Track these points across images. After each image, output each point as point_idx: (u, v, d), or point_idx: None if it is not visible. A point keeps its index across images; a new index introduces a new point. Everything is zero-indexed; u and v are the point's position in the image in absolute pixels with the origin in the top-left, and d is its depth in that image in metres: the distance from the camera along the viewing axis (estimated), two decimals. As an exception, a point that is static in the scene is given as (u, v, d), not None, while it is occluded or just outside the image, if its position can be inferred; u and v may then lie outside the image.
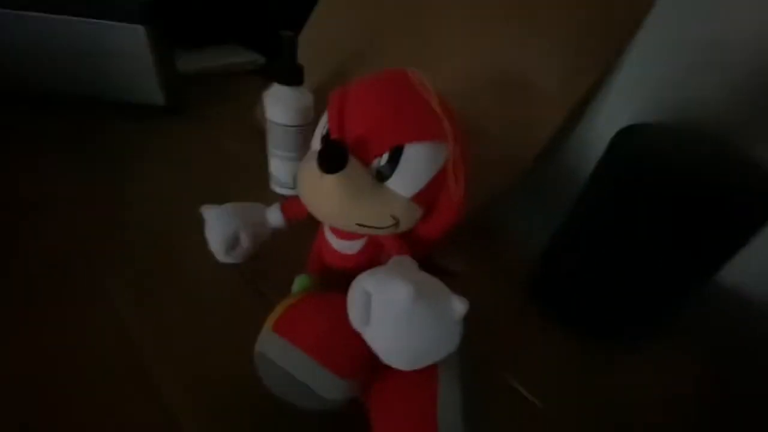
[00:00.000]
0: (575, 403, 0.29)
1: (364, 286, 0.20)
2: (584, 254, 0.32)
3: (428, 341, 0.20)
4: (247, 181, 0.46)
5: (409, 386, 0.22)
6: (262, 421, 0.25)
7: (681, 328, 0.35)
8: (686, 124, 0.34)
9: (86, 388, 0.26)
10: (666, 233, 0.27)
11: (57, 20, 0.47)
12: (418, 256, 0.27)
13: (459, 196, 0.25)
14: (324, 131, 0.26)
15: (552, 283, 0.36)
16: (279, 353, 0.21)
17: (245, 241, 0.31)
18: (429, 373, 0.21)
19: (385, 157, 0.23)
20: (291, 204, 0.32)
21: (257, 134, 0.41)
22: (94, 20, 0.47)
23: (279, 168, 0.42)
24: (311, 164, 0.23)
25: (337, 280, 0.28)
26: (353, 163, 0.22)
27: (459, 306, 0.20)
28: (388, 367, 0.21)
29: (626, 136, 0.29)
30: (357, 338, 0.21)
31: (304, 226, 0.31)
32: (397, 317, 0.19)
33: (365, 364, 0.22)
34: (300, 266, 0.31)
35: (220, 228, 0.30)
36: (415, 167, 0.24)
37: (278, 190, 0.44)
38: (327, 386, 0.21)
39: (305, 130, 0.39)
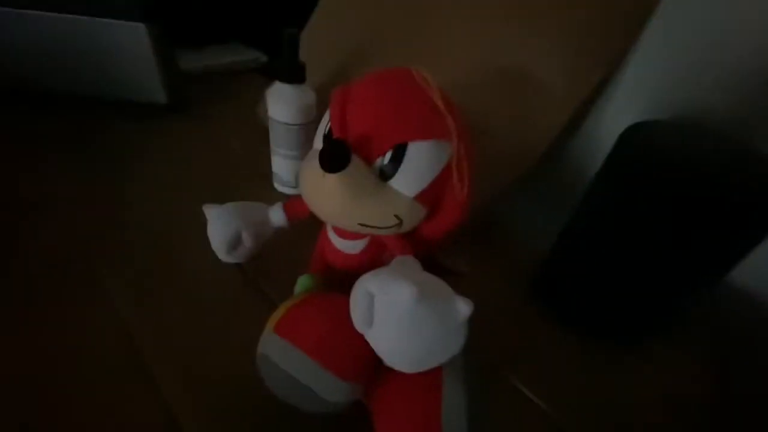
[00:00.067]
0: (579, 403, 0.29)
1: (366, 287, 0.20)
2: (590, 253, 0.31)
3: (432, 343, 0.19)
4: (250, 179, 0.46)
5: (412, 389, 0.21)
6: (264, 422, 0.25)
7: (687, 328, 0.35)
8: (695, 121, 0.34)
9: (86, 388, 0.26)
10: (674, 233, 0.26)
11: (58, 18, 0.46)
12: (422, 256, 0.27)
13: (463, 195, 0.25)
14: (326, 130, 0.25)
15: (556, 282, 0.35)
16: (281, 355, 0.21)
17: (247, 241, 0.31)
18: (433, 375, 0.21)
19: (388, 155, 0.23)
20: (293, 203, 0.31)
21: (259, 132, 0.41)
22: (96, 18, 0.46)
23: (281, 166, 0.42)
24: (313, 163, 0.22)
25: (339, 280, 0.28)
26: (356, 162, 0.22)
27: (464, 307, 0.19)
28: (391, 369, 0.21)
29: (634, 133, 0.29)
30: (360, 340, 0.21)
31: (306, 225, 0.31)
32: (401, 319, 0.19)
33: (368, 367, 0.21)
34: (302, 266, 0.31)
35: (222, 227, 0.30)
36: (418, 166, 0.23)
37: (281, 188, 0.44)
38: (329, 389, 0.20)
39: (307, 128, 0.39)
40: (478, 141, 0.29)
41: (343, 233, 0.28)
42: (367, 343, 0.20)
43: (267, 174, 0.45)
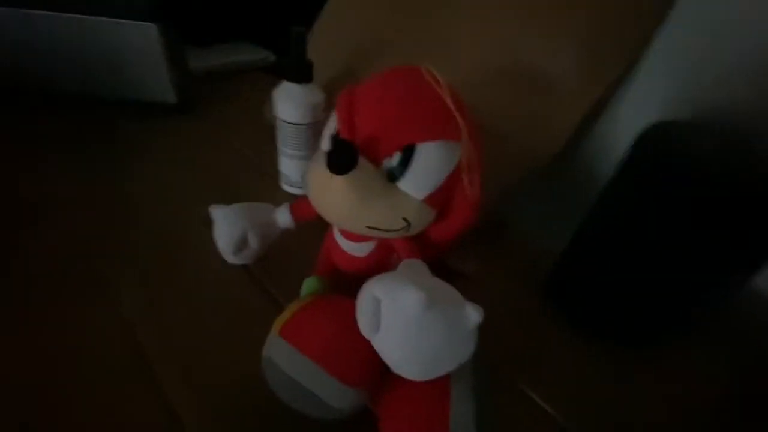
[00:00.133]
0: (589, 409, 0.28)
1: (373, 292, 0.19)
2: (604, 256, 0.31)
3: (440, 351, 0.19)
4: (257, 179, 0.46)
5: (419, 396, 0.21)
6: (267, 425, 0.25)
7: (701, 332, 0.33)
8: (716, 121, 0.33)
9: (88, 388, 0.26)
10: (692, 235, 0.25)
11: (69, 19, 0.47)
12: (430, 258, 0.26)
13: (474, 197, 0.24)
14: (333, 131, 0.25)
15: (569, 285, 0.34)
16: (285, 359, 0.21)
17: (254, 242, 0.30)
18: (441, 383, 0.20)
19: (397, 156, 0.22)
20: (300, 204, 0.31)
21: (268, 132, 0.41)
22: (106, 18, 0.47)
23: (289, 167, 0.42)
24: (320, 165, 0.22)
25: (346, 282, 0.27)
26: (363, 163, 0.22)
27: (473, 314, 0.19)
28: (398, 376, 0.20)
29: (653, 133, 0.28)
30: (366, 345, 0.20)
31: (313, 226, 0.30)
32: (408, 325, 0.18)
33: (374, 373, 0.21)
34: (309, 268, 0.31)
35: (229, 229, 0.30)
36: (427, 167, 0.23)
37: (288, 189, 0.44)
38: (334, 394, 0.20)
39: (315, 127, 0.39)
40: (489, 141, 0.28)
41: (350, 235, 0.28)
42: (373, 349, 0.20)
43: (274, 174, 0.45)
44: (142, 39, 0.48)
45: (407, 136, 0.22)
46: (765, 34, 0.30)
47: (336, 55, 0.48)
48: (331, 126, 0.25)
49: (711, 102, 0.32)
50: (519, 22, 0.37)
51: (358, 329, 0.20)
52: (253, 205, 0.32)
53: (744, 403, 0.30)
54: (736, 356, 0.33)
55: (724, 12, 0.31)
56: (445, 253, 0.33)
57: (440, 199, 0.24)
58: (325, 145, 0.26)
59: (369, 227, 0.23)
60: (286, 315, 0.23)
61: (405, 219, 0.23)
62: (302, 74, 0.37)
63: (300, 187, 0.43)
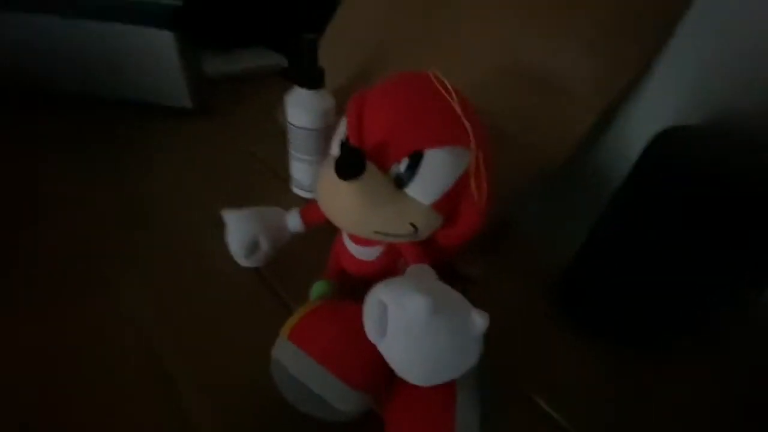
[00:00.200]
0: (600, 417, 0.28)
1: (380, 297, 0.20)
2: (616, 261, 0.30)
3: (446, 357, 0.19)
4: (270, 183, 0.47)
5: (425, 402, 0.21)
6: (275, 426, 0.25)
7: (715, 339, 0.33)
8: (729, 125, 0.32)
9: (90, 389, 0.26)
10: (706, 242, 0.25)
11: (89, 25, 0.48)
12: (438, 263, 0.26)
13: (481, 203, 0.24)
14: (343, 136, 0.25)
15: (579, 290, 0.34)
16: (293, 362, 0.21)
17: (265, 246, 0.31)
18: (447, 389, 0.20)
19: (405, 162, 0.23)
20: (310, 209, 0.31)
21: (281, 136, 0.41)
22: (125, 25, 0.48)
23: (300, 171, 0.42)
24: (329, 170, 0.22)
25: (355, 286, 0.28)
26: (371, 169, 0.22)
27: (479, 320, 0.19)
28: (404, 380, 0.20)
29: (665, 137, 0.28)
30: (372, 350, 0.20)
31: (324, 230, 0.31)
32: (414, 331, 0.18)
33: (381, 377, 0.21)
34: (318, 271, 0.31)
35: (240, 233, 0.31)
36: (435, 173, 0.23)
37: (299, 192, 0.44)
38: (340, 397, 0.20)
39: (326, 133, 0.39)
40: (499, 144, 0.28)
41: (358, 240, 0.28)
42: (379, 354, 0.20)
43: (286, 177, 0.45)
44: (158, 46, 0.50)
45: (415, 143, 0.22)
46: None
47: (347, 60, 0.49)
48: (341, 131, 0.26)
49: (724, 106, 0.32)
50: (531, 24, 0.37)
51: (364, 334, 0.20)
52: (264, 209, 0.32)
53: (757, 411, 0.29)
54: (748, 362, 0.32)
55: (738, 16, 0.30)
56: (453, 257, 0.33)
57: (448, 205, 0.24)
58: (335, 150, 0.26)
59: (376, 232, 0.23)
60: (294, 318, 0.24)
61: (412, 224, 0.23)
62: (313, 80, 0.37)
63: (311, 191, 0.43)
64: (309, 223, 0.32)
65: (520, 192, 0.37)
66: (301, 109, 0.38)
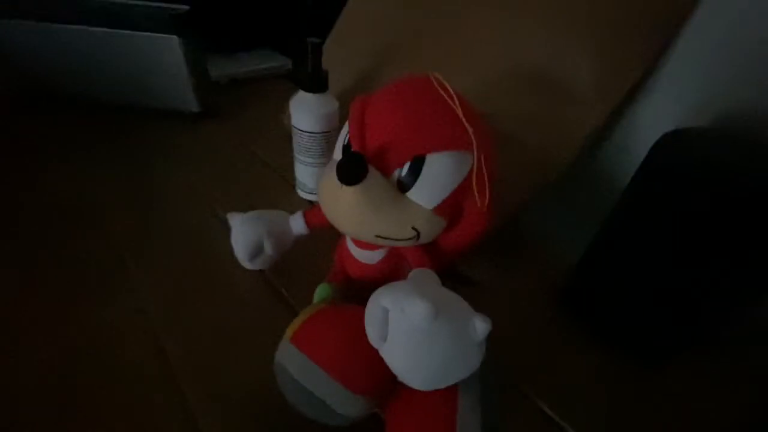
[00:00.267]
0: (604, 425, 0.27)
1: (381, 301, 0.20)
2: (623, 264, 0.30)
3: (447, 362, 0.19)
4: (275, 185, 0.47)
5: (427, 406, 0.21)
6: (279, 426, 0.25)
7: (725, 347, 0.32)
8: (735, 128, 0.31)
9: (104, 390, 0.27)
10: (714, 245, 0.25)
11: (98, 33, 0.49)
12: (443, 266, 0.26)
13: (484, 207, 0.24)
14: (345, 141, 0.25)
15: (586, 294, 0.34)
16: (296, 367, 0.21)
17: (269, 249, 0.31)
18: (448, 393, 0.20)
19: (406, 167, 0.23)
20: (314, 212, 0.32)
21: (287, 138, 0.42)
22: (132, 32, 0.49)
23: (304, 174, 0.42)
24: (331, 175, 0.23)
25: (358, 289, 0.28)
26: (373, 173, 0.22)
27: (481, 326, 0.19)
28: (406, 385, 0.20)
29: (672, 140, 0.27)
30: (374, 354, 0.20)
31: (329, 233, 0.31)
32: (415, 336, 0.19)
33: (382, 381, 0.21)
34: (322, 274, 0.31)
35: (245, 236, 0.31)
36: (437, 177, 0.23)
37: (304, 195, 0.45)
38: (341, 401, 0.20)
39: (330, 136, 0.39)
40: (505, 146, 0.28)
41: (361, 243, 0.28)
42: (381, 358, 0.20)
43: (292, 180, 0.46)
44: (165, 51, 0.50)
45: (416, 148, 0.22)
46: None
47: (351, 63, 0.49)
48: (344, 135, 0.26)
49: (730, 109, 0.31)
50: (536, 27, 0.37)
51: (366, 338, 0.20)
52: (268, 212, 0.33)
53: (764, 418, 0.29)
54: (756, 373, 0.32)
55: (744, 18, 0.30)
56: (458, 260, 0.33)
57: (450, 209, 0.24)
58: (338, 154, 0.26)
59: (378, 236, 0.24)
60: (297, 321, 0.24)
61: (414, 228, 0.23)
62: (317, 84, 0.37)
63: (315, 194, 0.44)
64: (313, 226, 0.32)
65: (524, 194, 0.37)
66: (305, 112, 0.38)
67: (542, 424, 0.27)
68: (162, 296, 0.33)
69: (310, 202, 0.44)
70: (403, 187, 0.23)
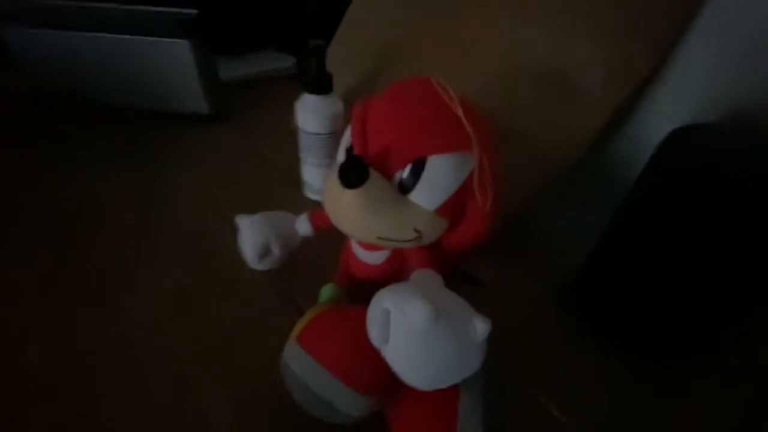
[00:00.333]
0: (611, 424, 0.27)
1: (383, 303, 0.20)
2: (630, 263, 0.30)
3: (448, 363, 0.19)
4: (284, 186, 0.48)
5: (429, 406, 0.21)
6: (287, 425, 0.26)
7: (728, 346, 0.32)
8: (748, 124, 0.30)
9: (116, 390, 0.27)
10: (723, 243, 0.24)
11: (109, 39, 0.51)
12: (447, 266, 0.27)
13: (486, 208, 0.24)
14: (348, 144, 0.26)
15: (593, 293, 0.33)
16: (301, 367, 0.22)
17: (276, 250, 0.32)
18: (450, 393, 0.21)
19: (408, 169, 0.23)
20: (319, 214, 0.32)
21: (295, 139, 0.42)
22: (142, 37, 0.50)
23: (311, 175, 0.43)
24: (334, 177, 0.23)
25: (363, 289, 0.28)
26: (375, 176, 0.22)
27: (481, 327, 0.19)
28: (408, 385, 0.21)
29: (681, 136, 0.27)
30: (377, 354, 0.21)
31: (335, 233, 0.31)
32: (415, 337, 0.19)
33: (385, 381, 0.21)
34: (329, 274, 0.32)
35: (252, 237, 0.31)
36: (438, 179, 0.23)
37: (311, 196, 0.45)
38: (345, 401, 0.21)
39: (335, 137, 0.40)
40: (510, 144, 0.28)
41: (365, 244, 0.28)
42: (384, 358, 0.20)
43: (300, 181, 0.46)
44: (175, 55, 0.51)
45: (417, 150, 0.22)
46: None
47: (356, 64, 0.49)
48: (347, 138, 0.26)
49: (741, 104, 0.30)
50: (542, 23, 0.36)
51: (369, 339, 0.21)
52: (275, 214, 0.33)
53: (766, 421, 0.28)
54: (758, 373, 0.31)
55: (754, 12, 0.29)
56: (462, 260, 0.33)
57: (452, 210, 0.24)
58: (342, 156, 0.27)
59: (380, 238, 0.24)
60: (303, 322, 0.24)
61: (416, 230, 0.23)
62: (322, 85, 0.37)
63: (322, 195, 0.44)
64: (318, 227, 0.32)
65: (533, 193, 0.37)
66: (310, 114, 0.38)
67: (546, 423, 0.27)
68: (170, 296, 0.34)
69: (318, 202, 0.45)
70: (405, 189, 0.23)
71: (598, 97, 0.33)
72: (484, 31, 0.40)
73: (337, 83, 0.39)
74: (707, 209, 0.24)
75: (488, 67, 0.38)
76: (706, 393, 0.29)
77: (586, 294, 0.34)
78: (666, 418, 0.28)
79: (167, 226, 0.41)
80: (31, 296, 0.33)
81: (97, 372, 0.28)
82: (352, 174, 0.21)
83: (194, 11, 0.50)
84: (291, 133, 0.53)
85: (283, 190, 0.47)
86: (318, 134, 0.39)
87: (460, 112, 0.23)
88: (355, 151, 0.24)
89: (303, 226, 0.32)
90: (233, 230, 0.34)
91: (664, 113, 0.34)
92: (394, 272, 0.29)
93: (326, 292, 0.29)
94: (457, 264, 0.32)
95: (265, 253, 0.32)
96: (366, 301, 0.22)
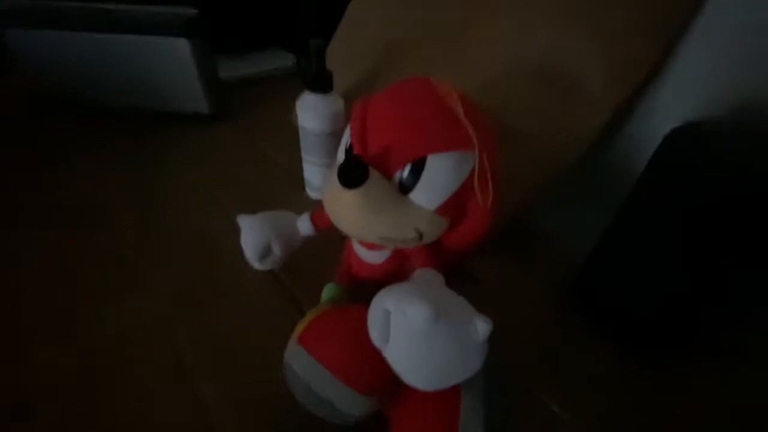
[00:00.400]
0: (615, 423, 0.27)
1: (383, 303, 0.20)
2: (632, 261, 0.30)
3: (449, 363, 0.19)
4: (286, 185, 0.48)
5: (430, 406, 0.21)
6: (288, 420, 0.26)
7: (729, 346, 0.32)
8: (749, 122, 0.30)
9: (115, 390, 0.27)
10: (724, 244, 0.24)
11: (108, 39, 0.51)
12: (449, 264, 0.27)
13: (486, 207, 0.24)
14: (347, 143, 0.25)
15: (595, 291, 0.33)
16: (303, 367, 0.22)
17: (277, 250, 0.32)
18: (451, 393, 0.21)
19: (407, 168, 0.23)
20: (320, 214, 0.32)
21: (296, 138, 0.42)
22: (142, 37, 0.50)
23: (312, 173, 0.43)
24: (333, 178, 0.23)
25: (365, 289, 0.28)
26: (374, 176, 0.22)
27: (482, 327, 0.19)
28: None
29: (681, 134, 0.27)
30: (378, 355, 0.21)
31: (336, 233, 0.31)
32: (416, 338, 0.19)
33: (386, 381, 0.22)
34: (331, 274, 0.32)
35: (254, 238, 0.32)
36: (438, 178, 0.23)
37: (313, 195, 0.45)
38: (346, 401, 0.21)
39: (336, 135, 0.40)
40: (511, 142, 0.27)
41: (366, 244, 0.28)
42: (385, 359, 0.21)
43: (301, 180, 0.46)
44: (175, 54, 0.51)
45: (417, 149, 0.22)
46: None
47: (357, 62, 0.49)
48: (347, 137, 0.26)
49: (741, 104, 0.30)
50: (543, 22, 0.36)
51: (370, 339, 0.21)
52: (276, 213, 0.33)
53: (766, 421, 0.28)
54: (759, 373, 0.31)
55: (755, 11, 0.29)
56: (464, 258, 0.33)
57: (453, 209, 0.24)
58: (342, 156, 0.27)
59: (381, 237, 0.24)
60: (305, 322, 0.24)
61: (417, 230, 0.23)
62: (322, 84, 0.37)
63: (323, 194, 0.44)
64: (319, 226, 0.32)
65: (531, 192, 0.37)
66: (310, 112, 0.38)
67: (546, 423, 0.27)
68: (170, 296, 0.34)
69: (320, 201, 0.45)
70: (405, 188, 0.23)
71: (599, 96, 0.33)
72: (484, 30, 0.39)
73: (337, 82, 0.39)
74: (707, 209, 0.24)
75: (488, 66, 0.38)
76: (706, 393, 0.29)
77: (586, 294, 0.34)
78: (666, 418, 0.28)
79: (168, 226, 0.41)
80: (31, 296, 0.33)
81: (97, 372, 0.28)
82: (352, 174, 0.21)
83: (194, 10, 0.50)
84: (293, 132, 0.53)
85: (284, 190, 0.47)
86: (318, 133, 0.39)
87: (460, 111, 0.23)
88: (355, 151, 0.24)
89: (304, 225, 0.32)
90: (234, 230, 0.34)
91: (664, 113, 0.34)
92: (396, 271, 0.29)
93: (328, 291, 0.29)
94: (459, 263, 0.32)
95: (266, 252, 0.32)
96: (367, 301, 0.22)
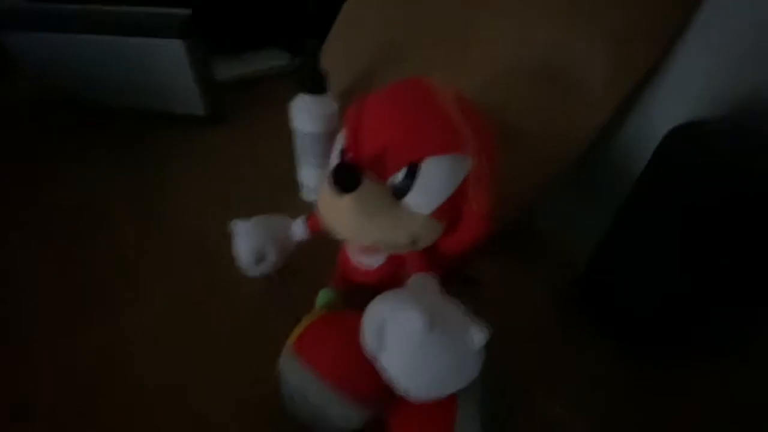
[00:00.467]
0: (614, 425, 0.27)
1: (377, 312, 0.20)
2: (633, 263, 0.29)
3: (444, 372, 0.19)
4: (281, 187, 0.47)
5: (426, 415, 0.21)
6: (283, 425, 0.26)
7: (729, 346, 0.32)
8: (745, 122, 0.30)
9: (114, 395, 0.27)
10: (724, 244, 0.24)
11: (103, 40, 0.50)
12: (444, 269, 0.26)
13: (482, 210, 0.23)
14: (342, 146, 0.25)
15: (594, 293, 0.33)
16: (297, 376, 0.22)
17: (272, 255, 0.32)
18: (447, 402, 0.20)
19: (402, 173, 0.22)
20: (315, 217, 0.32)
21: (291, 140, 0.42)
22: (136, 38, 0.49)
23: (307, 176, 0.43)
24: (327, 182, 0.23)
25: (360, 293, 0.28)
26: (368, 181, 0.22)
27: (478, 335, 0.19)
28: (405, 393, 0.21)
29: (681, 133, 0.26)
30: (372, 363, 0.20)
31: (331, 237, 0.31)
32: (410, 347, 0.19)
33: (381, 390, 0.21)
34: (326, 279, 0.31)
35: (248, 243, 0.31)
36: (432, 182, 0.22)
37: (308, 197, 0.45)
38: (341, 411, 0.21)
39: (331, 137, 0.39)
40: (511, 141, 0.27)
41: (361, 248, 0.28)
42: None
43: (297, 182, 0.46)
44: (170, 55, 0.51)
45: (411, 153, 0.22)
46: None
47: (352, 63, 0.48)
48: (341, 141, 0.26)
49: (741, 104, 0.30)
50: (543, 22, 0.36)
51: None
52: (271, 218, 0.33)
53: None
54: (759, 373, 0.31)
55: (755, 9, 0.28)
56: (460, 262, 0.33)
57: (448, 213, 0.24)
58: (335, 160, 0.26)
59: (375, 241, 0.23)
60: (299, 329, 0.24)
61: (411, 234, 0.23)
62: (316, 85, 0.37)
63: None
64: (314, 230, 0.32)
65: (531, 192, 0.36)
66: (305, 114, 0.38)
67: (546, 423, 0.27)
68: (170, 296, 0.34)
69: (315, 204, 0.44)
70: (400, 192, 0.23)
71: (599, 96, 0.33)
72: (484, 30, 0.39)
73: (332, 82, 0.38)
74: (707, 209, 0.24)
75: (488, 65, 0.38)
76: (706, 393, 0.29)
77: (587, 294, 0.34)
78: (666, 418, 0.28)
79: (167, 227, 0.41)
80: (32, 297, 0.33)
81: (97, 372, 0.28)
82: (345, 179, 0.21)
83: (188, 11, 0.50)
84: (289, 134, 0.53)
85: (280, 192, 0.47)
86: (313, 134, 0.39)
87: (456, 114, 0.22)
88: (349, 154, 0.23)
89: (299, 229, 0.32)
90: (229, 233, 0.33)
91: (664, 113, 0.34)
92: (391, 276, 0.28)
93: (323, 296, 0.29)
94: (456, 266, 0.32)
95: (260, 258, 0.32)
96: (363, 306, 0.22)
